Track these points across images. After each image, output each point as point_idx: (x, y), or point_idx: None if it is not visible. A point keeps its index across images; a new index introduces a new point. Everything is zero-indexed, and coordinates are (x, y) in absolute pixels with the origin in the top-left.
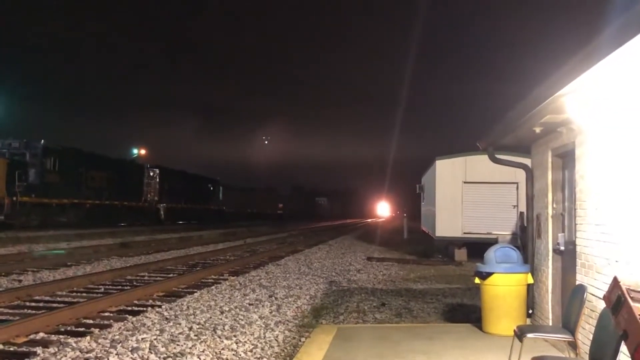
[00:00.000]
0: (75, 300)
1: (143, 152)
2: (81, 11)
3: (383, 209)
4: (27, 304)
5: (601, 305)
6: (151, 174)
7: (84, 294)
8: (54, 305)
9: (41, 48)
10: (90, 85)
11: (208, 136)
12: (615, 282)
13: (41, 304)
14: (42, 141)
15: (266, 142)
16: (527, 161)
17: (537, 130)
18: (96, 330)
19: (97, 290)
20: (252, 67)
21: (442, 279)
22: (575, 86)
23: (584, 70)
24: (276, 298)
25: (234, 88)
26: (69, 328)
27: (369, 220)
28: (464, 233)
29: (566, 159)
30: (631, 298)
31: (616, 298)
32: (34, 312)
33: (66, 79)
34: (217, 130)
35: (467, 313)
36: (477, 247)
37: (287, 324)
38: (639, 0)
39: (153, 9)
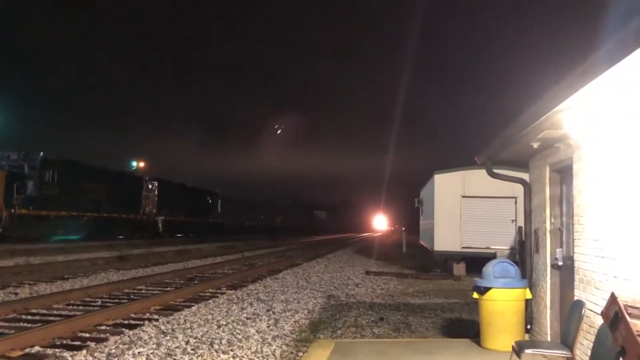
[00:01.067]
0: (71, 313)
1: (142, 164)
2: (80, 23)
3: (380, 223)
4: (24, 317)
5: (599, 321)
6: (150, 186)
7: (81, 307)
8: (51, 318)
9: (40, 59)
10: (90, 98)
11: (208, 148)
12: (613, 299)
13: (37, 317)
14: (41, 153)
15: (279, 131)
16: (525, 175)
17: (535, 145)
18: (92, 344)
19: (93, 304)
20: (254, 79)
21: (441, 293)
22: (572, 102)
23: (581, 87)
24: (274, 312)
25: (235, 100)
26: (64, 342)
27: (367, 234)
28: (463, 247)
29: (564, 174)
30: (629, 314)
31: (614, 314)
32: (30, 325)
33: (65, 91)
34: (217, 142)
35: (466, 328)
36: (476, 262)
37: (285, 339)
38: (633, 17)
39: (153, 20)
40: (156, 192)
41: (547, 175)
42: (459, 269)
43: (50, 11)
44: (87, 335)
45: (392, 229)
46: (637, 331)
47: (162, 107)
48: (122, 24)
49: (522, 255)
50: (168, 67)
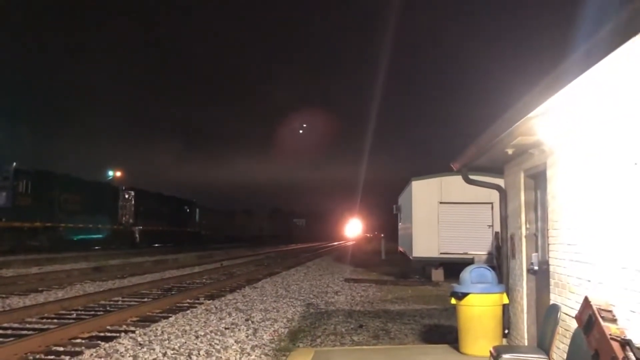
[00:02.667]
0: (45, 327)
1: (119, 174)
2: (55, 28)
3: (353, 229)
4: None
5: (575, 324)
6: (126, 196)
7: (55, 320)
8: (23, 332)
9: (12, 65)
10: (65, 105)
11: (187, 158)
12: (587, 302)
13: (9, 332)
14: (14, 164)
15: (301, 130)
16: (500, 181)
17: (510, 151)
18: (66, 358)
19: (68, 316)
20: (233, 88)
21: (420, 299)
22: (544, 109)
23: (553, 94)
24: (253, 322)
25: (215, 110)
26: (38, 356)
27: (340, 242)
28: (441, 253)
29: (538, 179)
30: (602, 318)
31: (587, 318)
32: (1, 340)
33: (39, 99)
34: (196, 151)
35: (445, 334)
36: (454, 267)
37: (264, 348)
38: (603, 26)
39: (133, 28)
40: (133, 202)
41: (522, 181)
42: (437, 274)
43: (26, 16)
44: (62, 349)
45: (370, 235)
46: (610, 334)
47: (140, 115)
48: (95, 32)
49: (499, 260)
50: (145, 75)
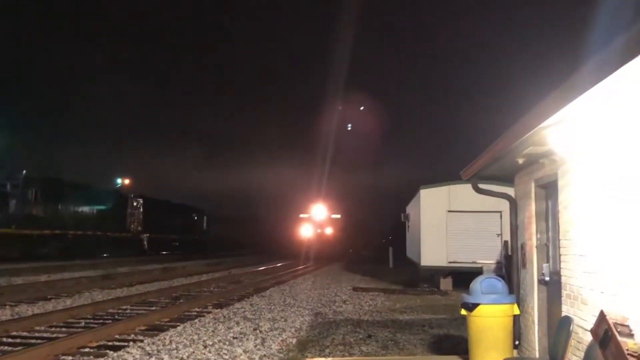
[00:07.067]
0: (54, 335)
1: (127, 181)
2: (68, 38)
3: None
4: (4, 339)
5: (588, 337)
6: (135, 203)
7: (64, 329)
8: (32, 341)
9: (21, 74)
10: (74, 114)
11: (196, 164)
12: (602, 316)
13: (18, 340)
14: (24, 172)
15: (349, 128)
16: (510, 190)
17: (520, 161)
18: None
19: (77, 325)
20: (244, 91)
21: (428, 309)
22: (557, 118)
23: (566, 104)
24: (261, 331)
25: (224, 116)
26: None
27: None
28: (449, 262)
29: (549, 189)
30: (618, 332)
31: (604, 332)
32: (10, 348)
33: (49, 108)
34: (205, 158)
35: (454, 344)
36: (463, 276)
37: (272, 358)
38: (616, 37)
39: (141, 38)
40: (141, 210)
41: (533, 190)
42: (446, 283)
43: (32, 22)
44: (70, 358)
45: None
46: (627, 349)
47: (149, 122)
48: (105, 38)
49: (508, 269)
50: (154, 82)
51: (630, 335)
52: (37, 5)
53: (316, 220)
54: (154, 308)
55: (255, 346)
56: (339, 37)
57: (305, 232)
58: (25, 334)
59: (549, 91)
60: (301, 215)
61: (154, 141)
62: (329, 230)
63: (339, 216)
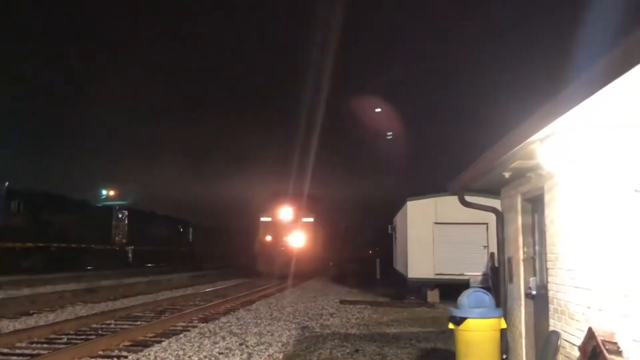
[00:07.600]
0: (35, 352)
1: (112, 193)
2: (54, 50)
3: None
4: None
5: (575, 352)
6: (120, 215)
7: (45, 345)
8: (13, 358)
9: (7, 86)
10: (58, 125)
11: (182, 175)
12: (591, 333)
13: None
14: (7, 183)
15: (389, 137)
16: (496, 202)
17: (507, 175)
18: None
19: (59, 341)
20: (231, 104)
21: (416, 322)
22: (545, 133)
23: (554, 119)
24: (247, 346)
25: (210, 126)
26: None
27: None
28: (436, 274)
29: (535, 203)
30: (607, 350)
31: (592, 349)
32: None
33: (33, 118)
34: (191, 169)
35: (442, 358)
36: (450, 288)
37: None
38: (603, 55)
39: (126, 49)
40: (126, 221)
41: (519, 204)
42: (433, 295)
43: (15, 28)
44: None
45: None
46: None
47: (133, 133)
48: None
49: (495, 281)
50: (139, 93)
51: (619, 352)
52: None
53: (281, 225)
54: (138, 323)
55: None
56: (318, 52)
57: (265, 240)
58: (6, 350)
59: (538, 106)
60: (262, 219)
61: (139, 152)
62: (299, 238)
63: (311, 219)
